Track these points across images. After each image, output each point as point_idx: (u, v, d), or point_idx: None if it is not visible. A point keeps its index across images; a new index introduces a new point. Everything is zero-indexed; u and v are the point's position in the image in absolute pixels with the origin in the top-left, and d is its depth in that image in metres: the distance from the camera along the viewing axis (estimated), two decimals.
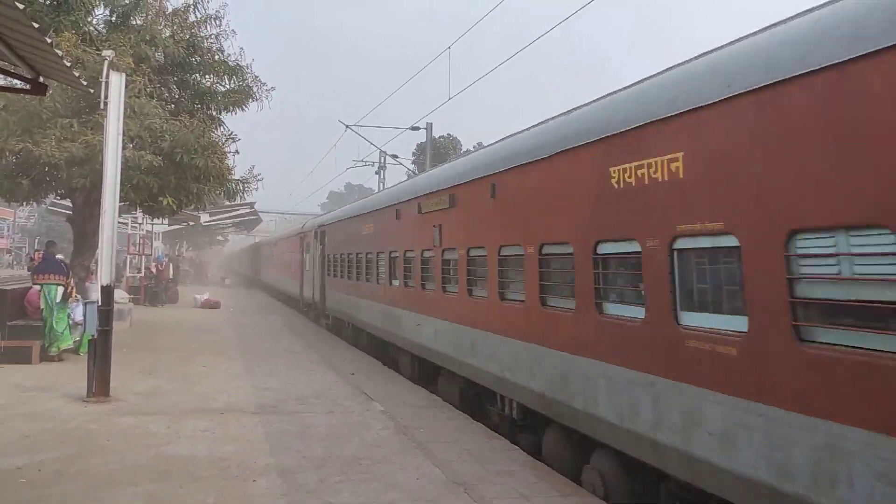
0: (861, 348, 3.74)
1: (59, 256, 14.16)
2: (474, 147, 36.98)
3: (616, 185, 5.84)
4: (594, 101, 6.89)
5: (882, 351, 3.61)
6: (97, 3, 14.71)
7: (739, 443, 4.41)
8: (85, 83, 8.22)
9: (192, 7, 16.01)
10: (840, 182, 3.83)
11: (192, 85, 16.09)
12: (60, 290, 12.88)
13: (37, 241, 52.22)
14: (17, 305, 13.01)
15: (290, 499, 5.72)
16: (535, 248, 7.20)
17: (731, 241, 4.58)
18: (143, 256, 30.37)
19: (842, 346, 3.84)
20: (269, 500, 5.70)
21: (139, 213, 24.95)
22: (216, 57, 15.97)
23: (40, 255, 16.62)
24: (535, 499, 5.88)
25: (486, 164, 8.77)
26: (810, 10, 4.42)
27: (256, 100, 16.48)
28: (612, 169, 5.89)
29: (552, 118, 7.68)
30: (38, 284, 12.90)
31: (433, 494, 5.93)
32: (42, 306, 12.61)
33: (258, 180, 18.11)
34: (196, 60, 15.71)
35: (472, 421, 8.83)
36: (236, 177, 16.89)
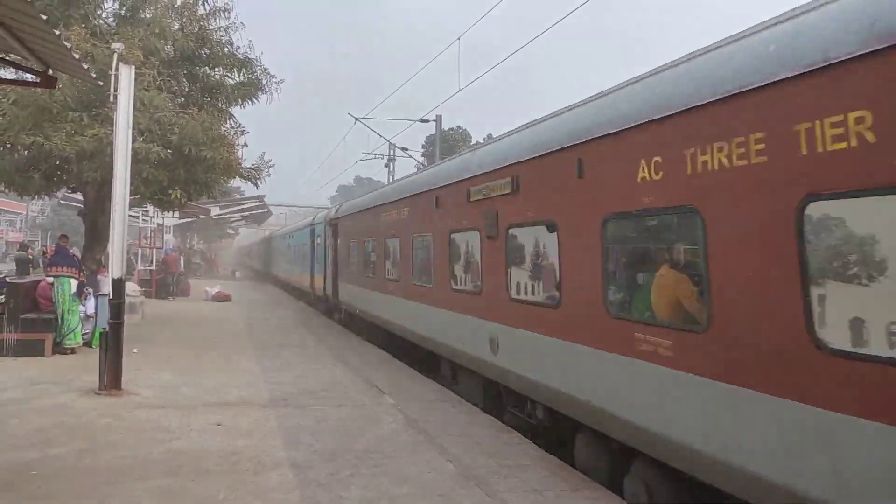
0: None
1: (72, 250, 14.23)
2: (485, 139, 36.77)
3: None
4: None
5: None
6: None
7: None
8: (94, 76, 8.21)
9: (200, 0, 15.98)
10: None
11: (202, 78, 16.06)
12: (74, 283, 12.93)
13: (48, 234, 52.61)
14: (30, 298, 13.07)
15: (302, 493, 5.70)
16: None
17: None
18: (154, 249, 30.47)
19: None
20: (280, 494, 5.68)
21: (150, 207, 24.98)
22: (225, 50, 15.94)
23: (52, 249, 16.69)
24: (546, 493, 5.83)
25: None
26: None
27: (266, 92, 16.45)
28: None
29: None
30: (52, 277, 12.96)
31: (445, 488, 5.89)
32: (55, 299, 12.67)
33: (269, 167, 17.84)
34: (205, 53, 15.69)
35: (483, 414, 8.78)
36: (248, 165, 16.89)
